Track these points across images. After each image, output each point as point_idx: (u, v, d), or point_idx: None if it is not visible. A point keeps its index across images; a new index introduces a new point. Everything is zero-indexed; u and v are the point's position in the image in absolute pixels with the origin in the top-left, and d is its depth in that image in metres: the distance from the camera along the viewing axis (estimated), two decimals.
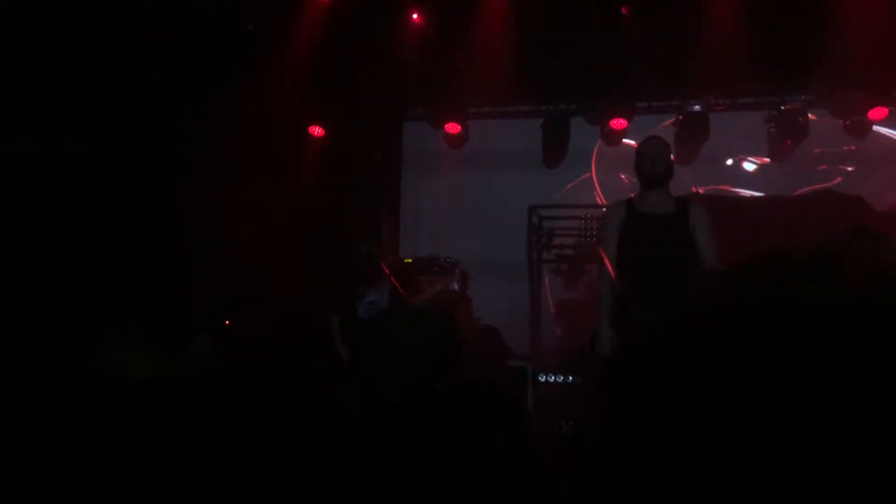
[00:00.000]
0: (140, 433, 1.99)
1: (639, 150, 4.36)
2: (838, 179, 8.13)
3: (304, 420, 2.09)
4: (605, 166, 8.71)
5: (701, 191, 8.14)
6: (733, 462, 0.63)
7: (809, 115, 8.06)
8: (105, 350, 2.96)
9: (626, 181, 8.19)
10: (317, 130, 8.60)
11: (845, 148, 8.17)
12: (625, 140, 8.35)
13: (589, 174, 8.82)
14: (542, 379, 6.72)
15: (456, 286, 7.11)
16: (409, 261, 7.23)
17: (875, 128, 8.00)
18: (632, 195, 4.48)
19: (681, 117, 8.29)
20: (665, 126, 8.32)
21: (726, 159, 8.53)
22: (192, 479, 1.85)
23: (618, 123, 8.31)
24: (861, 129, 7.95)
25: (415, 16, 7.44)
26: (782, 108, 8.06)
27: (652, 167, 4.22)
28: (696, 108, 8.18)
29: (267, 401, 2.08)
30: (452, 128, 8.69)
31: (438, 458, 1.67)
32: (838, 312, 0.65)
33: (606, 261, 4.27)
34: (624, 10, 7.09)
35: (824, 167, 8.20)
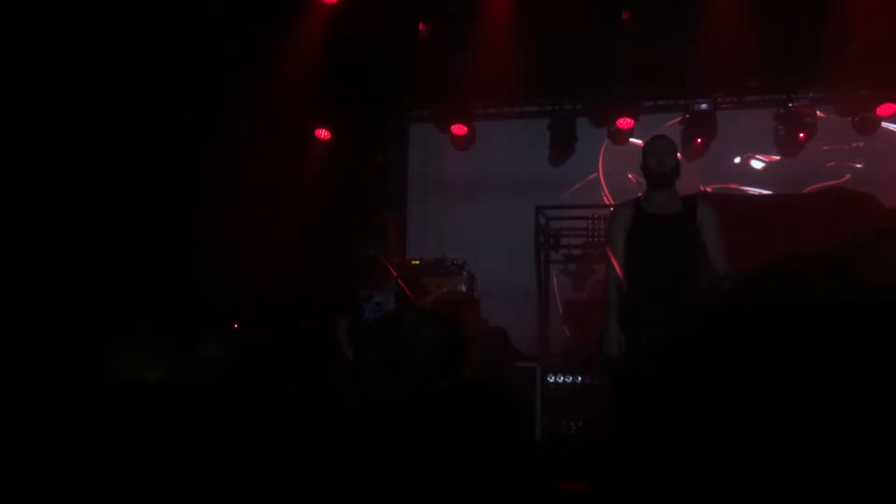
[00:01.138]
0: (148, 434, 1.99)
1: (645, 150, 4.35)
2: (847, 176, 8.08)
3: (310, 421, 2.09)
4: (612, 166, 8.68)
5: (709, 189, 8.11)
6: (743, 466, 0.62)
7: (817, 112, 8.03)
8: (115, 351, 2.96)
9: (634, 180, 8.17)
10: (323, 133, 8.61)
11: (854, 145, 8.13)
12: (632, 139, 8.32)
13: (596, 174, 8.80)
14: (551, 379, 6.71)
15: (463, 287, 7.10)
16: (417, 262, 7.22)
17: (883, 124, 7.96)
18: (639, 194, 4.46)
19: (687, 116, 8.26)
20: (672, 125, 8.29)
21: (734, 157, 8.49)
22: (199, 481, 1.85)
23: (624, 123, 8.30)
24: (869, 125, 7.92)
25: (420, 25, 7.45)
26: (790, 105, 8.03)
27: (658, 166, 4.21)
28: (703, 106, 8.15)
29: (274, 402, 2.08)
30: (459, 129, 8.69)
31: (444, 458, 1.67)
32: (857, 317, 0.64)
33: (614, 261, 4.26)
34: (625, 15, 7.07)
35: (833, 164, 8.15)
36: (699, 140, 8.17)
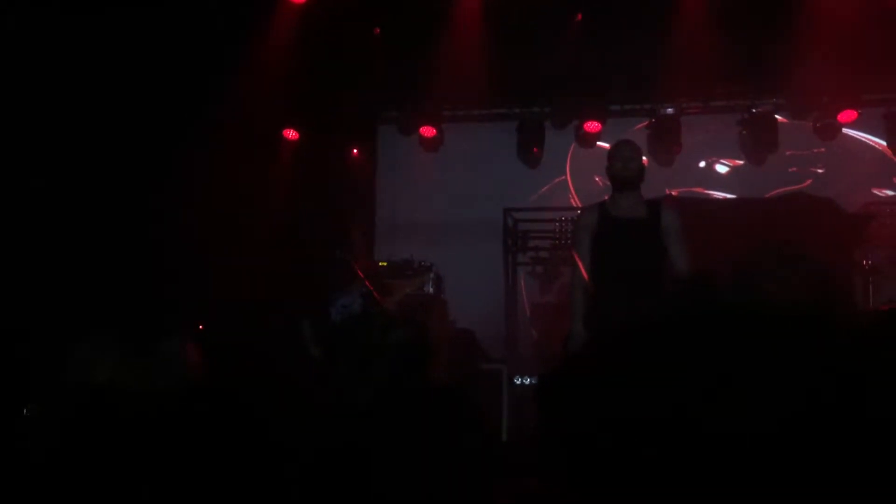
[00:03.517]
0: (112, 436, 1.98)
1: (610, 154, 4.40)
2: (808, 181, 8.24)
3: (276, 422, 2.09)
4: (579, 169, 8.74)
5: (674, 193, 8.20)
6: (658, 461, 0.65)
7: (780, 117, 8.17)
8: (77, 353, 2.93)
9: (601, 184, 8.23)
10: (290, 134, 8.56)
11: (815, 150, 8.29)
12: (599, 143, 8.40)
13: (564, 177, 8.86)
14: (518, 381, 6.74)
15: (430, 289, 7.11)
16: (384, 264, 7.21)
17: (844, 130, 8.11)
18: (605, 197, 4.51)
19: (654, 120, 8.35)
20: (639, 129, 8.38)
21: (699, 161, 8.61)
22: (164, 482, 1.84)
23: (591, 126, 8.36)
24: (831, 131, 8.07)
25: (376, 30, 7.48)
26: (753, 111, 8.16)
27: (623, 170, 4.26)
28: (669, 110, 8.24)
29: (239, 404, 2.07)
30: (427, 131, 8.69)
31: (406, 458, 1.68)
32: (752, 323, 0.68)
33: (580, 265, 4.30)
34: (579, 17, 7.15)
35: (795, 169, 8.31)
36: (665, 144, 8.26)
